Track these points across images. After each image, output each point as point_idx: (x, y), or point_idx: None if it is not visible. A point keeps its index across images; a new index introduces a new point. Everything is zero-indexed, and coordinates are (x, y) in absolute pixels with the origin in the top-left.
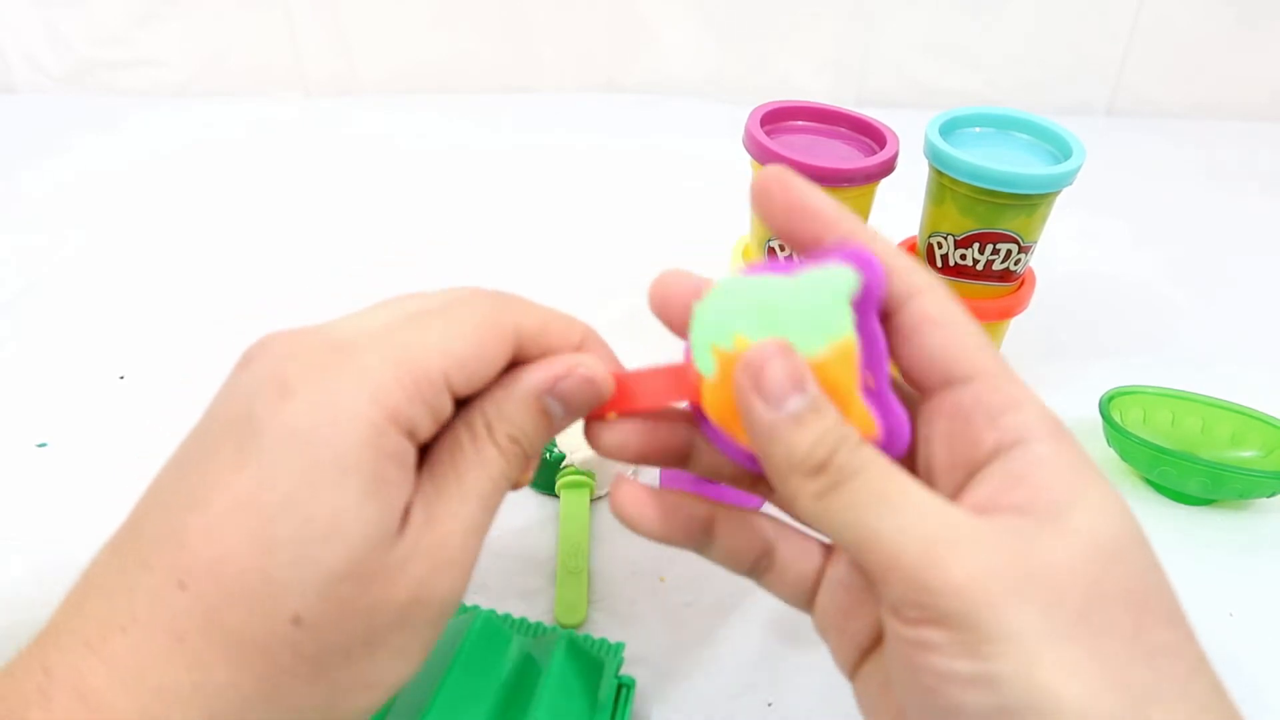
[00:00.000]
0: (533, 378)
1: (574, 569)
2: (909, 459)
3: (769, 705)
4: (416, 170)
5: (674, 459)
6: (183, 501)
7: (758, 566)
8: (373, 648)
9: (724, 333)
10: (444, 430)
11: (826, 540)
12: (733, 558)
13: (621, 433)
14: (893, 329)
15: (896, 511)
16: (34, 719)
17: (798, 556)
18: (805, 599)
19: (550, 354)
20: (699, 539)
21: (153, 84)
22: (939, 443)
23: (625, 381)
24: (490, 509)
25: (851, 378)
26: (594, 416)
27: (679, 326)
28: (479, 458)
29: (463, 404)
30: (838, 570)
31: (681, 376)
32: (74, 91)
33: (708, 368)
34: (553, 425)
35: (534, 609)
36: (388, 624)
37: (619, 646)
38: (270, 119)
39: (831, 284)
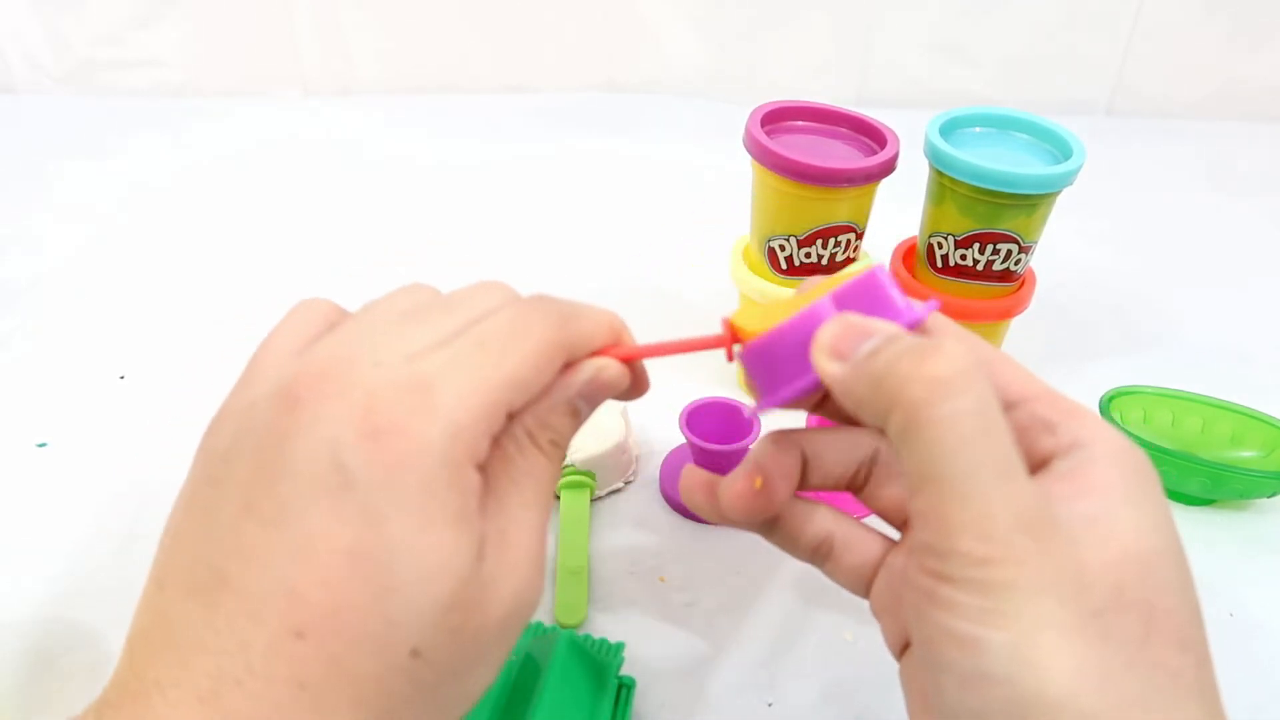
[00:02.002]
0: (568, 387)
1: (574, 569)
2: None
3: (769, 705)
4: (417, 170)
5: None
6: (285, 557)
7: (818, 554)
8: (477, 664)
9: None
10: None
11: (892, 535)
12: (792, 544)
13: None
14: None
15: (984, 462)
16: None
17: (857, 547)
18: (863, 586)
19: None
20: (762, 524)
21: (153, 84)
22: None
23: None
24: (547, 509)
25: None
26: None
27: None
28: (529, 466)
29: None
30: (898, 559)
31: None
32: (74, 92)
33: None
34: (581, 421)
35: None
36: (491, 640)
37: (619, 646)
38: (270, 119)
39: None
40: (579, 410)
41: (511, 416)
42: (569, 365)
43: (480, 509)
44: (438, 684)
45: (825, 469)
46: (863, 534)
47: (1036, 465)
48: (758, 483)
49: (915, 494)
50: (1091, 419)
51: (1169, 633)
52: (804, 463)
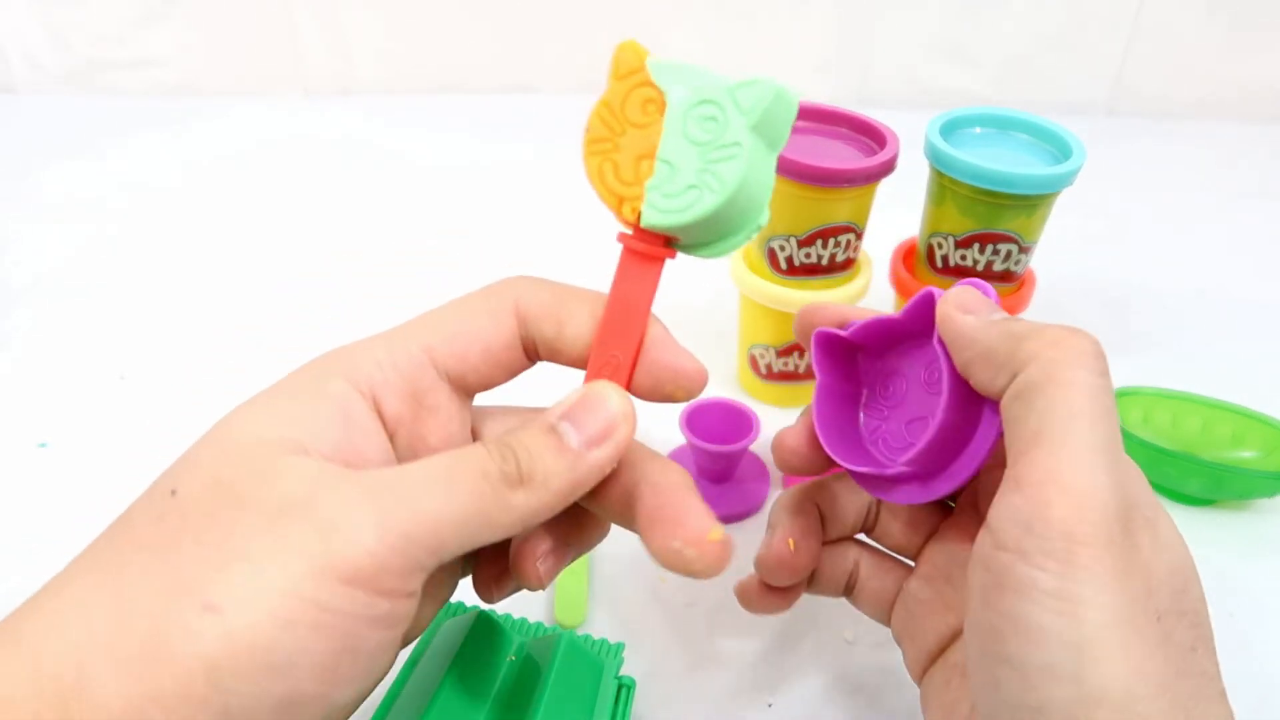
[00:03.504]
0: (549, 408)
1: (574, 569)
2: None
3: (769, 705)
4: (417, 170)
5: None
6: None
7: (848, 587)
8: (228, 544)
9: None
10: None
11: (908, 562)
12: (830, 586)
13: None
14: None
15: (1097, 443)
16: None
17: (879, 575)
18: (885, 613)
19: (564, 329)
20: (806, 584)
21: (153, 84)
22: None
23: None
24: (447, 483)
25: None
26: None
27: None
28: (462, 448)
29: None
30: (913, 584)
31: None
32: (74, 91)
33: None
34: (564, 448)
35: (534, 609)
36: (251, 526)
37: (619, 646)
38: (270, 119)
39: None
40: (561, 433)
41: (462, 387)
42: (545, 335)
43: (348, 428)
44: (182, 532)
45: (840, 519)
46: (883, 560)
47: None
48: (791, 544)
49: (1022, 455)
50: None
51: (1208, 640)
52: (821, 518)
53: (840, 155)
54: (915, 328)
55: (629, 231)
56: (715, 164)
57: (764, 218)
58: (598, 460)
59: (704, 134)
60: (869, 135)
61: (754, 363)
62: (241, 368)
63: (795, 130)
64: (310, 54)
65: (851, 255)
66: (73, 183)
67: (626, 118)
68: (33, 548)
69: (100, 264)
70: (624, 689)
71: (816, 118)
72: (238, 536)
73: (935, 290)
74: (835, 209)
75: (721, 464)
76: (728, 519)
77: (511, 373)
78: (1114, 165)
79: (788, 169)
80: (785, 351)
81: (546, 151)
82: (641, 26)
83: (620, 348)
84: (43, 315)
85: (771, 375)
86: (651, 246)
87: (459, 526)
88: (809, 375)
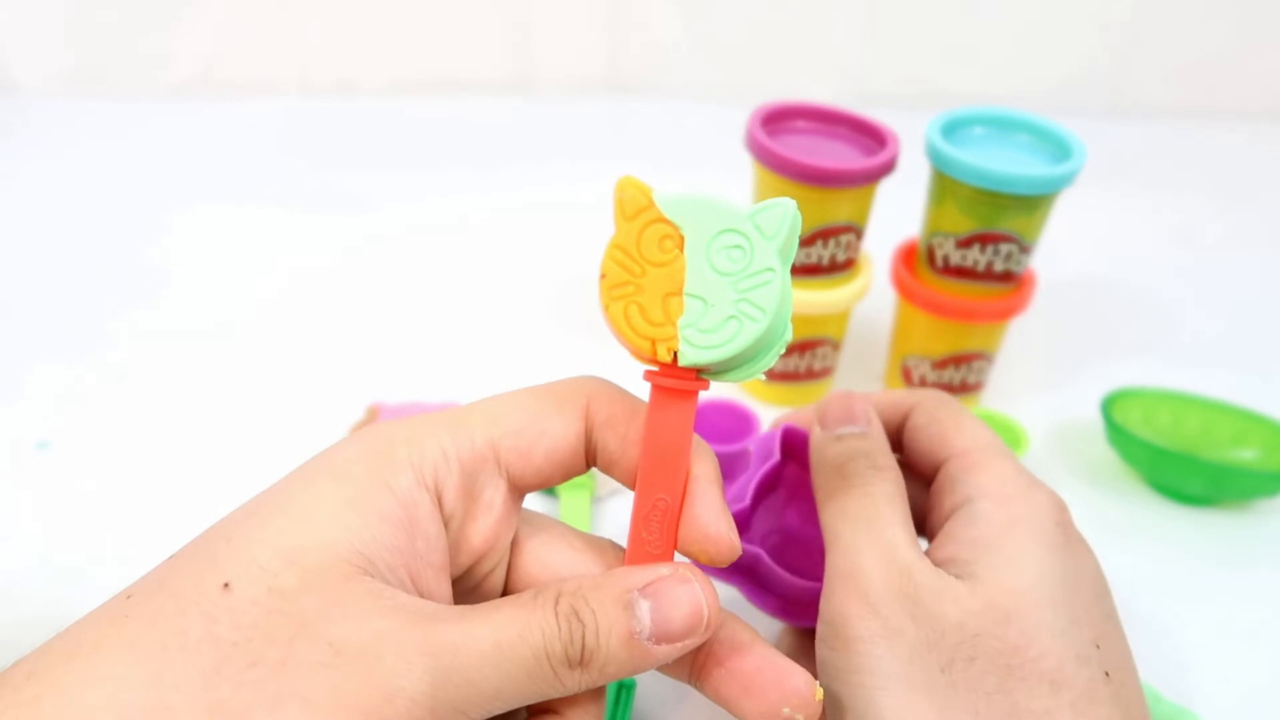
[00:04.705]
0: (629, 570)
1: None
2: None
3: None
4: (416, 170)
5: None
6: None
7: None
8: (282, 676)
9: None
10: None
11: None
12: None
13: None
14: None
15: (862, 530)
16: None
17: None
18: None
19: (627, 450)
20: None
21: (153, 84)
22: (930, 516)
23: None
24: (506, 659)
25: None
26: None
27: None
28: (521, 602)
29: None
30: None
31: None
32: (74, 91)
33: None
34: (632, 639)
35: None
36: (309, 659)
37: None
38: (270, 119)
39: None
40: (634, 607)
41: (518, 486)
42: (609, 447)
43: (410, 526)
44: (229, 656)
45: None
46: None
47: (943, 522)
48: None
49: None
50: (988, 472)
51: (1035, 675)
52: None
53: (840, 155)
54: (780, 468)
55: (655, 369)
56: (750, 292)
57: (789, 334)
58: (662, 658)
59: (731, 264)
60: (869, 135)
61: None
62: (241, 368)
63: (795, 130)
64: (310, 54)
65: (852, 255)
66: (72, 182)
67: (644, 257)
68: (33, 548)
69: (99, 264)
70: (624, 689)
71: (816, 118)
72: (292, 670)
73: (788, 425)
74: (835, 209)
75: (722, 464)
76: None
77: (568, 476)
78: (1114, 165)
79: (788, 169)
80: (786, 352)
81: (546, 152)
82: (640, 28)
83: (667, 490)
84: (42, 316)
85: (772, 375)
86: (684, 381)
87: (509, 699)
88: (810, 375)
